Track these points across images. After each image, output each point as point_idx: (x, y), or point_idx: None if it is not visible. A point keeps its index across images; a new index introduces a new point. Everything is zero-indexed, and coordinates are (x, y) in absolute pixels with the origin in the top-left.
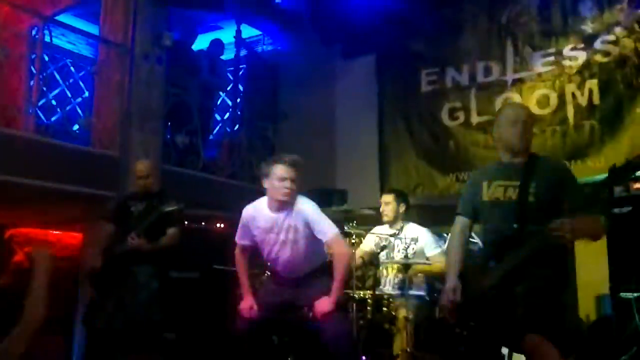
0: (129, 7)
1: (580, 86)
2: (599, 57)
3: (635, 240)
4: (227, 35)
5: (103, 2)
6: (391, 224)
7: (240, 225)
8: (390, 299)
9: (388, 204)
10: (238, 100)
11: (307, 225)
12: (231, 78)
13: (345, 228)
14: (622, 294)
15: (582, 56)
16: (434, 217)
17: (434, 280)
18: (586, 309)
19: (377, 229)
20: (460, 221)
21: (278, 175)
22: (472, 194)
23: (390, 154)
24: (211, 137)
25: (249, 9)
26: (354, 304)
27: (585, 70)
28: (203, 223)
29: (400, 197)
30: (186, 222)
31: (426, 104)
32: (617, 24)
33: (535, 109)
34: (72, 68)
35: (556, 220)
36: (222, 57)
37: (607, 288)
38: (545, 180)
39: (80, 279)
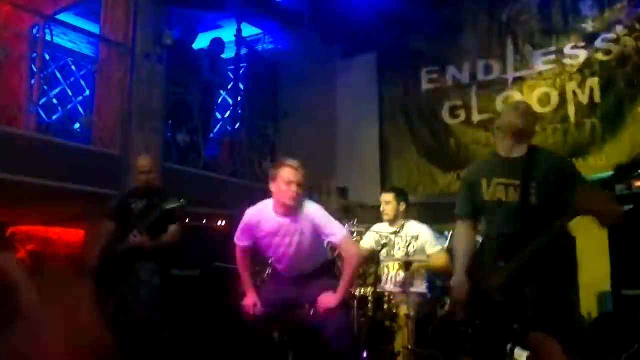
0: (130, 6)
1: (581, 84)
2: (599, 56)
3: (637, 238)
4: (227, 34)
5: (104, 1)
6: (392, 222)
7: (241, 227)
8: (392, 297)
9: (388, 203)
10: (239, 98)
11: (314, 229)
12: (232, 77)
13: (346, 226)
14: (624, 291)
15: (583, 54)
16: (435, 215)
17: (435, 277)
18: (588, 306)
19: (378, 227)
20: (463, 223)
21: (285, 179)
22: (472, 193)
23: (391, 152)
24: (212, 135)
25: (249, 8)
26: (356, 302)
27: (586, 68)
28: (204, 221)
29: (401, 196)
30: (187, 220)
31: (427, 102)
32: (618, 22)
33: (536, 108)
34: (73, 67)
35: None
36: (223, 56)
37: (608, 285)
38: (546, 178)
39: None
